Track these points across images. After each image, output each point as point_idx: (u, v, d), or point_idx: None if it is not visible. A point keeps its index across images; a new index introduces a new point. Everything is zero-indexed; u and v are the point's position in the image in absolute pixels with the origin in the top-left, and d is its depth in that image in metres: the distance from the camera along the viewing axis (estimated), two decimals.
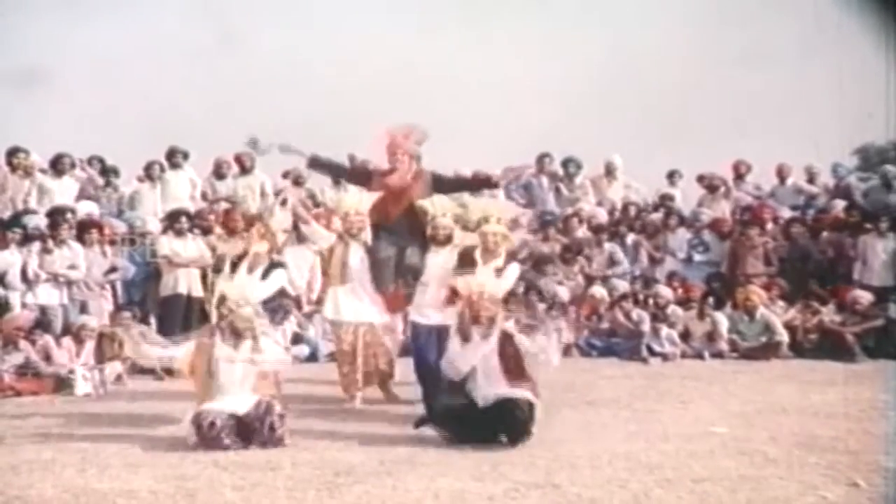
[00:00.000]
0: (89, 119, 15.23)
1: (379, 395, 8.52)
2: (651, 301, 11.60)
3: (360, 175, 9.08)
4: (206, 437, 6.63)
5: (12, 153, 11.84)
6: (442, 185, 8.51)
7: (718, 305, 11.57)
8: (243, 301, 7.05)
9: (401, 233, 8.33)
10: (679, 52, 16.82)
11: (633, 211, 13.21)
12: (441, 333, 7.73)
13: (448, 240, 8.14)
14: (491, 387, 6.78)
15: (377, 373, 8.42)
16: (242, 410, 6.73)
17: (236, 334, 6.96)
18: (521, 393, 6.74)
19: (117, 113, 15.50)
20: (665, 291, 11.75)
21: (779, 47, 16.30)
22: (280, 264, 8.45)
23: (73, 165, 12.38)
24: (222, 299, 7.16)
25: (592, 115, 16.21)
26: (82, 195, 12.22)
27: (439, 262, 8.08)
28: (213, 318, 7.37)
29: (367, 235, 8.34)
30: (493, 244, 7.82)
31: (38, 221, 10.94)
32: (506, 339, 6.94)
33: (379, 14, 17.55)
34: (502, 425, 6.69)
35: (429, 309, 8.11)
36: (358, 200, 8.46)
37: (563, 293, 11.87)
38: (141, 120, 14.99)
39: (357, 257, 8.31)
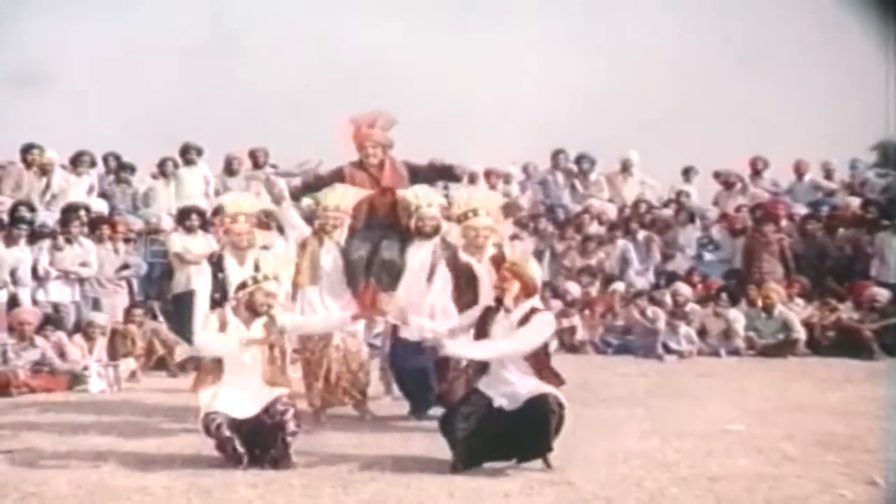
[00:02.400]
0: (91, 118, 15.24)
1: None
2: (670, 298, 11.55)
3: (333, 179, 7.92)
4: (217, 438, 6.07)
5: (27, 150, 11.88)
6: (417, 176, 7.89)
7: (733, 302, 11.52)
8: (271, 275, 6.35)
9: (377, 229, 7.72)
10: (695, 50, 16.75)
11: (643, 207, 13.16)
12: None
13: (435, 231, 7.54)
14: (517, 382, 6.02)
15: (344, 390, 7.63)
16: (248, 414, 6.11)
17: (252, 310, 6.28)
18: (552, 390, 6.00)
19: (120, 112, 15.52)
20: (684, 289, 11.69)
21: (789, 45, 16.23)
22: (265, 248, 7.55)
23: (93, 164, 12.43)
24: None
25: (608, 111, 16.13)
26: (93, 191, 12.25)
27: (422, 255, 7.49)
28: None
29: (342, 235, 7.70)
30: (483, 238, 7.21)
31: (44, 218, 10.97)
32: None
33: (387, 11, 17.49)
34: (528, 429, 5.91)
35: (411, 309, 7.29)
36: (341, 196, 7.67)
37: (575, 289, 11.86)
38: (143, 119, 14.99)
39: (329, 257, 7.62)
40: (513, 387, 6.01)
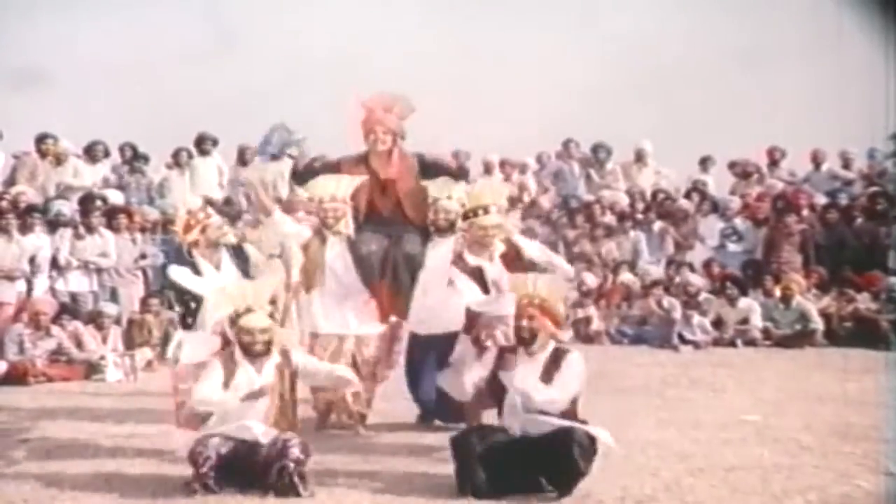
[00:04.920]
0: (101, 114, 15.31)
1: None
2: (681, 289, 11.52)
3: (329, 169, 7.10)
4: (198, 473, 5.26)
5: (41, 140, 11.94)
6: (427, 171, 6.99)
7: (742, 292, 11.45)
8: (243, 306, 5.44)
9: (390, 225, 6.91)
10: (711, 40, 16.70)
11: (660, 198, 13.11)
12: (444, 345, 6.59)
13: (451, 227, 6.83)
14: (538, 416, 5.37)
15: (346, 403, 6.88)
16: (256, 439, 5.32)
17: (249, 354, 5.46)
18: (580, 426, 5.34)
19: (129, 108, 15.58)
20: (695, 279, 11.66)
21: (791, 42, 16.20)
22: (240, 245, 6.72)
23: (106, 153, 12.48)
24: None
25: (623, 100, 16.10)
26: (109, 183, 12.31)
27: (440, 254, 6.80)
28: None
29: (349, 227, 6.87)
30: (490, 237, 6.68)
31: (61, 207, 11.04)
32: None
33: (392, 4, 17.46)
34: (552, 464, 5.29)
35: (430, 315, 6.74)
36: (334, 186, 6.87)
37: (591, 280, 11.84)
38: (147, 118, 15.04)
39: (335, 255, 6.81)
40: (534, 418, 5.39)
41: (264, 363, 5.48)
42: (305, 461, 5.26)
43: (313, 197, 6.98)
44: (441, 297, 6.69)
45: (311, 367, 5.80)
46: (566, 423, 5.29)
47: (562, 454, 5.19)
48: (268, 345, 5.46)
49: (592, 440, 5.31)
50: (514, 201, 8.65)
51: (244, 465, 5.31)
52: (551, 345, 5.49)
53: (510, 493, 5.26)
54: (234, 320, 5.49)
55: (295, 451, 5.21)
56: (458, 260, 6.70)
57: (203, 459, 5.22)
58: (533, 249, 6.97)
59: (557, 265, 7.00)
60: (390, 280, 6.81)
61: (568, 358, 5.45)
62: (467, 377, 5.68)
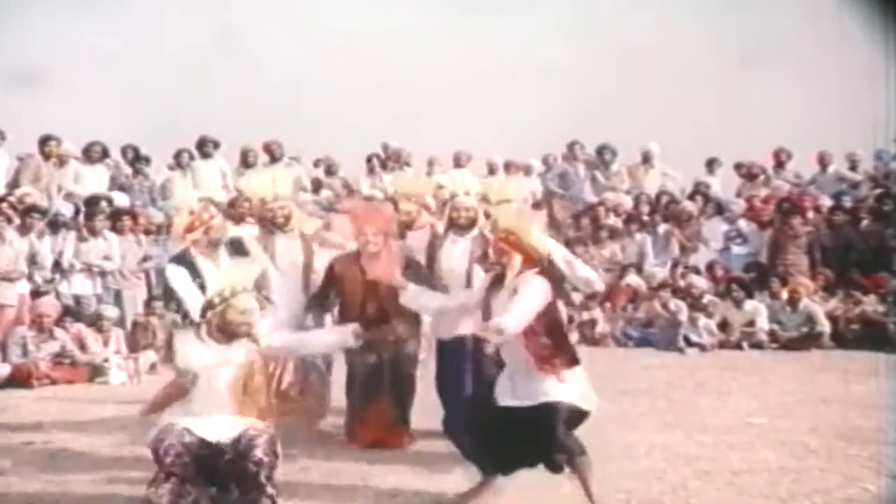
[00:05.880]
0: (101, 114, 15.33)
1: None
2: (686, 291, 11.48)
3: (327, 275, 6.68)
4: (163, 465, 5.00)
5: (44, 141, 11.95)
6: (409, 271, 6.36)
7: (748, 294, 11.40)
8: (239, 287, 5.17)
9: (380, 335, 6.31)
10: (716, 42, 16.69)
11: (664, 200, 13.08)
12: (474, 346, 6.25)
13: (471, 224, 6.52)
14: (521, 373, 5.18)
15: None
16: (219, 438, 5.01)
17: (228, 333, 5.14)
18: (563, 394, 5.12)
19: (123, 111, 15.61)
20: (699, 281, 11.63)
21: (792, 43, 16.20)
22: (239, 239, 6.48)
23: (105, 154, 12.48)
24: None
25: (629, 102, 16.07)
26: (113, 184, 12.31)
27: (458, 254, 6.51)
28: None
29: (304, 224, 6.65)
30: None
31: (61, 208, 11.03)
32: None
33: (399, 3, 17.44)
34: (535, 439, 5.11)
35: (450, 317, 6.38)
36: (271, 184, 6.65)
37: (598, 281, 11.80)
38: (146, 117, 15.06)
39: (286, 257, 6.56)
40: (518, 387, 5.22)
41: (234, 347, 5.14)
42: (272, 462, 4.94)
43: (255, 195, 6.75)
44: (467, 298, 6.25)
45: (289, 341, 5.47)
46: (552, 398, 5.06)
47: (544, 431, 5.02)
48: (248, 328, 5.16)
49: (581, 414, 5.12)
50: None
51: (208, 466, 5.00)
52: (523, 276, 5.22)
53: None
54: (212, 303, 5.16)
55: (257, 454, 4.90)
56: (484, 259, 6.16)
57: (166, 448, 4.95)
58: (557, 252, 6.35)
59: (581, 275, 6.78)
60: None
61: (525, 277, 5.18)
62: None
